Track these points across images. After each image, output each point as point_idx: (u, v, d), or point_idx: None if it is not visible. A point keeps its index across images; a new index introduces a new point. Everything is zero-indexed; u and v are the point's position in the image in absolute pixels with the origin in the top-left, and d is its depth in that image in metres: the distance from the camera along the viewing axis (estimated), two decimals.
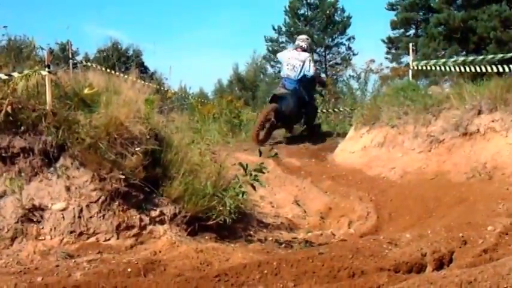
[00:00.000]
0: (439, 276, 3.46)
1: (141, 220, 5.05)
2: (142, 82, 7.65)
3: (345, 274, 3.98)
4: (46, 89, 5.34)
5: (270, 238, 5.74)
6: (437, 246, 4.50)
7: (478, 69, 9.85)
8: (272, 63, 47.26)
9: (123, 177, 5.08)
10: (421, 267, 4.29)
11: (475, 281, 3.20)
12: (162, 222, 5.16)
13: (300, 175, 8.37)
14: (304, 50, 10.68)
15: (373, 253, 4.39)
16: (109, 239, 4.86)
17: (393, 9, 42.74)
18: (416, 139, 8.26)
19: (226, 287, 3.78)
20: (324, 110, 13.64)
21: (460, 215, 5.83)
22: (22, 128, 5.10)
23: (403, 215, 6.48)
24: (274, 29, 46.71)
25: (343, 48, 46.55)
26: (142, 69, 36.76)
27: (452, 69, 10.09)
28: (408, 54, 11.16)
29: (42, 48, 6.41)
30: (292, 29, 45.56)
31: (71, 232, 4.77)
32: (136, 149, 5.28)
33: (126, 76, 7.56)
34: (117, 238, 4.89)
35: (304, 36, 11.38)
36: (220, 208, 5.32)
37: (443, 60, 10.77)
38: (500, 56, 10.19)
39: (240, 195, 5.41)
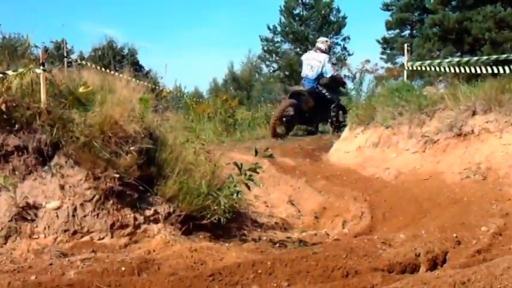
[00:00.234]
0: (432, 276, 3.47)
1: (135, 219, 5.04)
2: (137, 81, 7.62)
3: (338, 274, 3.98)
4: (41, 87, 5.33)
5: (264, 238, 5.74)
6: (431, 247, 4.52)
7: (473, 70, 9.86)
8: (267, 62, 47.30)
9: (118, 176, 5.07)
10: (415, 268, 4.31)
11: (469, 281, 3.21)
12: (156, 221, 5.16)
13: (294, 175, 8.36)
14: (322, 52, 11.29)
15: (367, 253, 4.41)
16: (103, 238, 4.86)
17: (388, 10, 42.81)
18: (410, 139, 8.28)
19: (220, 287, 3.78)
20: None
21: (454, 215, 5.84)
22: (16, 126, 5.10)
23: (397, 215, 6.48)
24: (269, 28, 46.66)
25: (338, 48, 46.47)
26: (137, 67, 36.62)
27: (447, 69, 10.11)
28: (403, 54, 11.17)
29: (36, 47, 6.41)
30: (287, 28, 45.55)
31: (65, 231, 4.76)
32: (131, 147, 5.27)
33: (121, 75, 7.53)
34: (111, 237, 4.89)
35: (323, 39, 12.05)
36: (215, 207, 5.31)
37: (438, 60, 10.78)
38: (495, 57, 10.24)
39: (235, 194, 5.40)
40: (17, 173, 4.95)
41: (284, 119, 11.20)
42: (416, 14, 41.24)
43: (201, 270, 4.12)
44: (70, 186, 4.99)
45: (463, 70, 9.92)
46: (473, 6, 32.25)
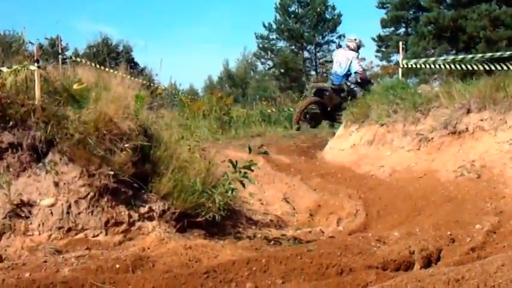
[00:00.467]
0: (426, 274, 3.48)
1: (129, 216, 5.04)
2: (132, 78, 7.60)
3: (333, 271, 3.99)
4: (35, 84, 5.31)
5: (259, 235, 5.74)
6: (425, 244, 4.53)
7: (468, 68, 9.90)
8: (262, 60, 47.31)
9: (112, 173, 5.06)
10: (409, 265, 4.32)
11: (463, 279, 3.22)
12: (150, 219, 5.15)
13: (289, 172, 8.37)
14: (351, 49, 11.43)
15: (362, 251, 4.41)
16: (97, 235, 4.85)
17: (383, 8, 42.81)
18: (405, 137, 8.30)
19: (214, 284, 3.78)
20: None
21: (448, 213, 5.85)
22: (11, 123, 5.08)
23: (392, 213, 6.49)
24: (264, 26, 46.67)
25: (333, 46, 46.45)
26: (132, 65, 36.55)
27: (442, 67, 10.13)
28: (398, 52, 11.21)
29: (31, 43, 6.39)
30: (282, 26, 45.56)
31: (59, 228, 4.75)
32: (126, 145, 5.26)
33: (115, 72, 7.51)
34: (106, 234, 4.88)
35: (352, 37, 11.96)
36: (210, 205, 5.30)
37: (433, 58, 10.84)
38: (489, 55, 10.25)
39: (229, 192, 5.40)
40: (11, 170, 4.93)
41: (308, 116, 11.38)
42: (411, 12, 41.31)
43: (196, 268, 4.11)
44: (64, 184, 4.98)
45: (458, 68, 9.95)
46: (468, 4, 32.35)
